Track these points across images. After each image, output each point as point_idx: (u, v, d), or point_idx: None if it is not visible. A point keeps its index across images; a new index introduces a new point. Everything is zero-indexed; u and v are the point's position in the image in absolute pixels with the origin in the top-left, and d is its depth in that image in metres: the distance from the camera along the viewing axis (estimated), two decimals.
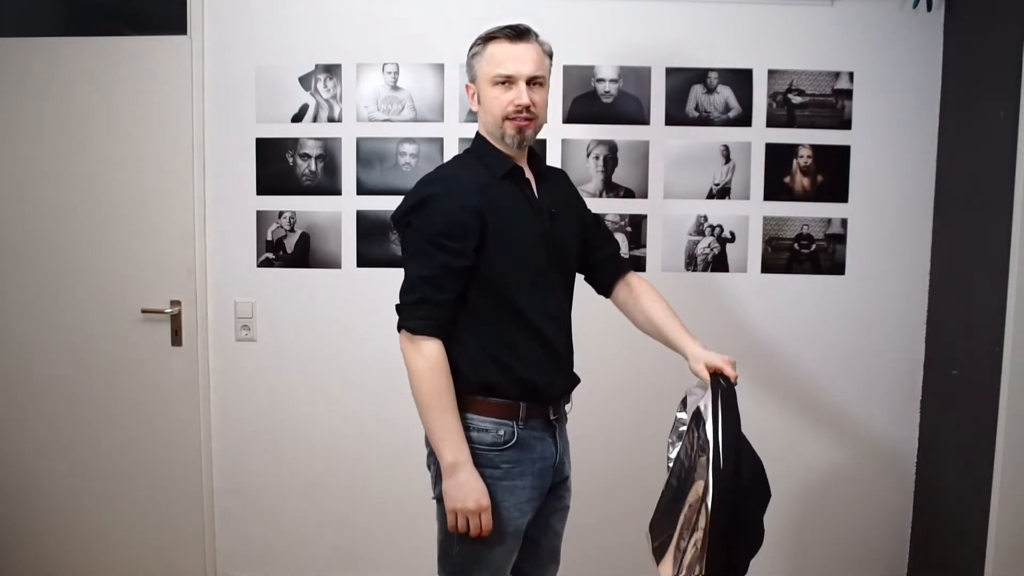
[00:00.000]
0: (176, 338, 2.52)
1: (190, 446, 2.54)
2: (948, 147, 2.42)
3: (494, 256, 1.56)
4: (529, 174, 1.68)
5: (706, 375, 1.57)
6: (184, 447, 2.54)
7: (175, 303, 2.51)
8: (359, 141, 2.47)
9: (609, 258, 1.85)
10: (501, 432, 1.59)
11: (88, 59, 2.45)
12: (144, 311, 2.51)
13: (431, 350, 1.52)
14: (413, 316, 1.54)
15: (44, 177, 2.50)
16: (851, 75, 2.45)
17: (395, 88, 2.46)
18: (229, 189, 2.50)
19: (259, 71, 2.47)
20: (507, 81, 1.59)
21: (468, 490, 1.51)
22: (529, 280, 1.60)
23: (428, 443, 1.62)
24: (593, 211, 1.90)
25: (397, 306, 1.58)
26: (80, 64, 2.45)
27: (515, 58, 1.59)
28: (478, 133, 1.69)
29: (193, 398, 2.52)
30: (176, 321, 2.51)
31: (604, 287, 1.85)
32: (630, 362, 2.48)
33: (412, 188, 1.63)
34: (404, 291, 1.57)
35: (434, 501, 1.64)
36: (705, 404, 1.52)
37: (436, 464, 1.60)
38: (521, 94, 1.58)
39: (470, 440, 1.57)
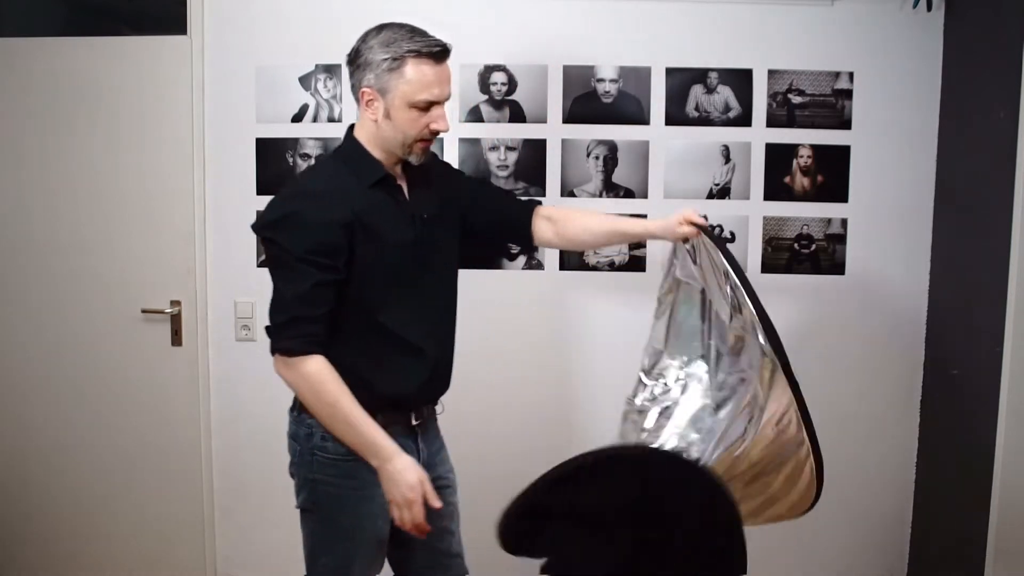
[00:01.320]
0: (176, 338, 2.52)
1: (190, 446, 2.54)
2: (948, 147, 2.42)
3: (361, 271, 1.51)
4: (401, 179, 1.62)
5: (691, 230, 1.62)
6: (184, 447, 2.54)
7: (175, 303, 2.51)
8: None
9: (510, 212, 1.80)
10: None
11: (88, 59, 2.45)
12: (144, 311, 2.51)
13: (313, 369, 1.47)
14: (286, 337, 1.47)
15: (44, 177, 2.50)
16: (851, 75, 2.45)
17: None
18: (229, 189, 2.50)
19: (259, 71, 2.47)
20: (429, 106, 1.51)
21: (411, 471, 1.49)
22: (398, 291, 1.55)
23: (292, 451, 1.64)
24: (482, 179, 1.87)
25: (267, 328, 1.50)
26: (80, 64, 2.45)
27: (441, 83, 1.52)
28: (354, 137, 1.59)
29: (193, 398, 2.52)
30: (176, 321, 2.51)
31: (524, 238, 1.82)
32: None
33: (274, 199, 1.56)
34: (274, 310, 1.49)
35: (298, 511, 1.66)
36: (708, 258, 1.58)
37: (300, 473, 1.62)
38: (442, 119, 1.53)
39: (326, 450, 1.58)
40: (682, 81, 2.45)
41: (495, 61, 2.45)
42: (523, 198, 1.89)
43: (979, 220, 2.22)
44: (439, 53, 1.51)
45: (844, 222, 2.49)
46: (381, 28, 1.54)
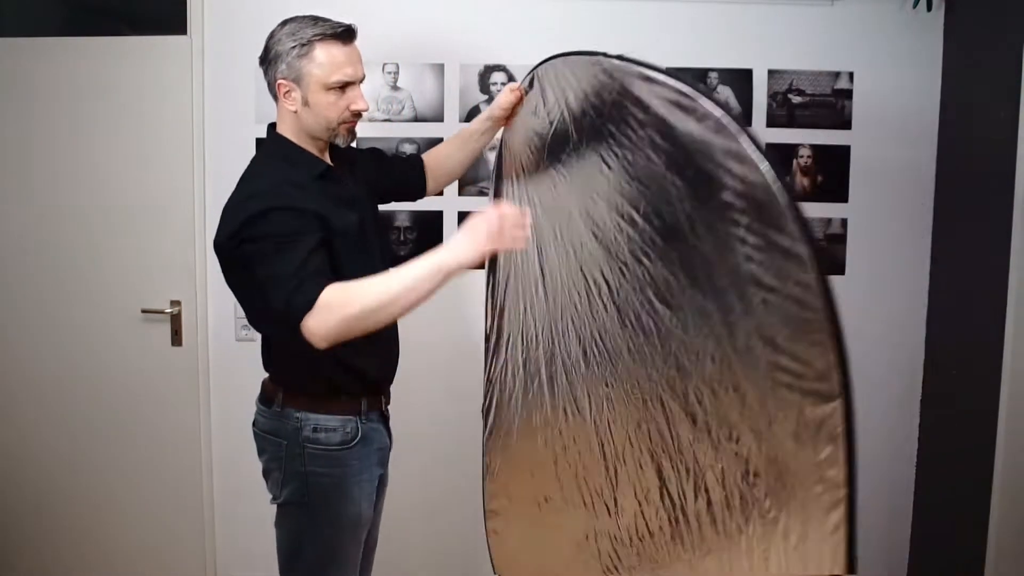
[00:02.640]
0: (176, 338, 2.52)
1: (190, 446, 2.54)
2: (948, 147, 2.42)
3: (342, 257, 1.53)
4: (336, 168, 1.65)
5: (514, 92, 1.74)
6: (184, 447, 2.54)
7: (175, 303, 2.51)
8: (359, 141, 2.46)
9: (408, 177, 1.88)
10: (348, 429, 1.61)
11: (88, 59, 2.45)
12: (144, 311, 2.50)
13: (329, 295, 1.37)
14: (300, 295, 1.37)
15: (43, 177, 2.49)
16: (851, 75, 2.45)
17: (395, 88, 2.46)
18: (229, 189, 2.48)
19: (259, 71, 2.45)
20: (344, 86, 1.54)
21: (471, 226, 1.39)
22: (359, 274, 1.50)
23: (271, 446, 1.64)
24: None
25: (279, 314, 1.41)
26: (80, 64, 2.45)
27: (353, 62, 1.55)
28: (277, 134, 1.61)
29: (193, 398, 2.52)
30: (176, 321, 2.51)
31: (418, 195, 1.92)
32: None
33: (229, 210, 1.56)
34: (277, 293, 1.41)
35: (275, 506, 1.68)
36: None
37: (288, 467, 1.61)
38: (360, 99, 1.57)
39: (318, 442, 1.59)
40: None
41: (495, 61, 2.45)
42: (407, 155, 2.02)
43: (979, 220, 2.23)
44: (344, 33, 1.54)
45: (844, 222, 2.49)
46: (285, 22, 1.57)
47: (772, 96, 2.46)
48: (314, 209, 1.49)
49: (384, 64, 2.46)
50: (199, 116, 2.45)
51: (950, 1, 2.39)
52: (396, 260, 1.68)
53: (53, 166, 2.49)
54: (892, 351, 2.52)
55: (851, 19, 2.43)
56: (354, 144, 1.72)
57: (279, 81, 1.55)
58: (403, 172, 1.91)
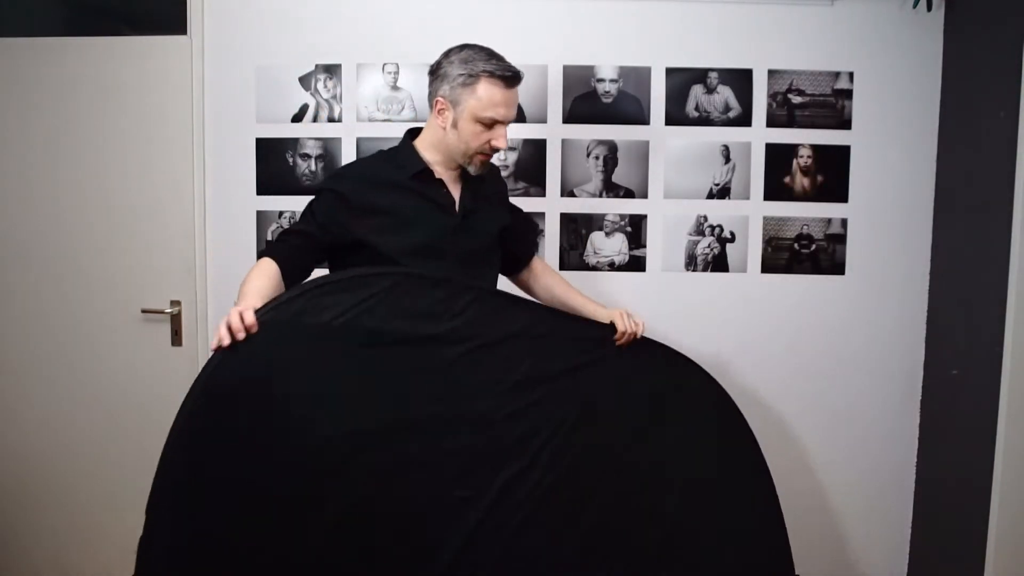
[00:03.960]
0: (176, 338, 2.52)
1: None
2: (948, 147, 2.42)
3: (390, 249, 1.66)
4: (445, 175, 1.75)
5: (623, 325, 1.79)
6: None
7: (175, 303, 2.51)
8: (359, 141, 2.47)
9: (519, 249, 1.98)
10: None
11: (88, 59, 2.45)
12: (144, 311, 2.51)
13: (262, 262, 1.65)
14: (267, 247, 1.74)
15: (44, 177, 2.50)
16: (851, 75, 2.45)
17: (395, 88, 2.47)
18: (229, 189, 2.50)
19: (259, 71, 2.47)
20: (493, 123, 1.66)
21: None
22: (429, 269, 1.66)
23: None
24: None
25: None
26: (80, 64, 2.45)
27: (508, 105, 1.67)
28: (410, 143, 1.76)
29: None
30: (176, 321, 2.51)
31: (512, 272, 2.01)
32: None
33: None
34: None
35: None
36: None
37: None
38: (502, 138, 1.68)
39: None
40: (682, 81, 2.45)
41: None
42: (532, 243, 2.10)
43: (979, 220, 2.22)
44: (510, 78, 1.66)
45: (844, 222, 2.49)
46: (463, 47, 1.69)
47: (772, 96, 2.46)
48: (363, 201, 1.69)
49: (384, 64, 2.46)
50: (199, 116, 2.45)
51: (950, 1, 2.39)
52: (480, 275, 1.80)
53: (53, 166, 2.49)
54: (892, 351, 2.52)
55: (851, 19, 2.43)
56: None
57: (438, 98, 1.69)
58: (520, 243, 1.99)
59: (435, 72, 1.70)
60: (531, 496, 1.62)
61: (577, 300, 1.90)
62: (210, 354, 1.47)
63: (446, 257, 1.70)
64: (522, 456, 1.62)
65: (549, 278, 1.99)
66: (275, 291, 1.59)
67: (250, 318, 1.45)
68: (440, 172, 1.74)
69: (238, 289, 1.59)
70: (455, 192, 1.76)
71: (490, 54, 1.67)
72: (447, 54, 1.69)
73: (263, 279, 1.60)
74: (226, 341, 1.43)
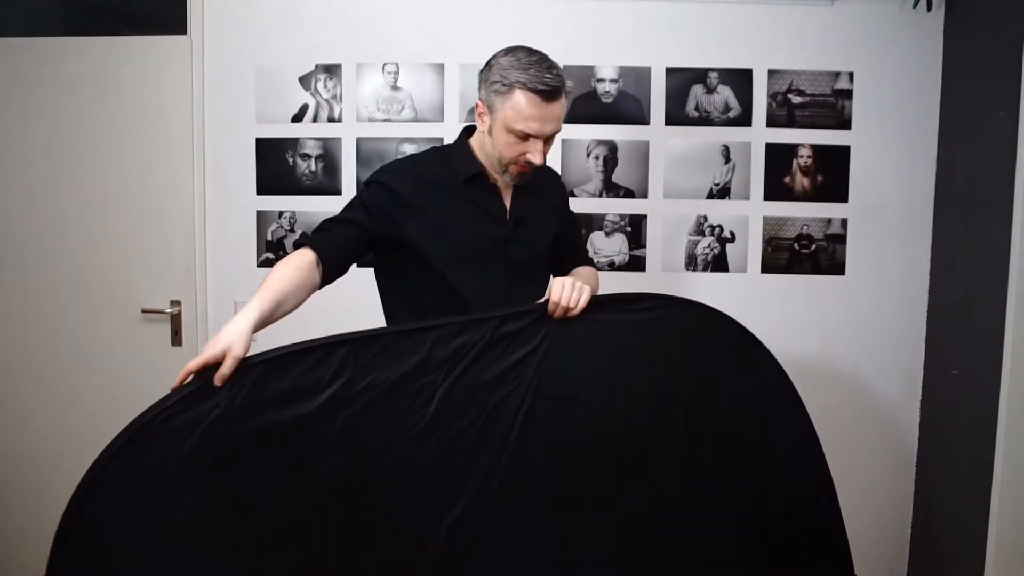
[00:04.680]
0: (176, 338, 2.52)
1: None
2: (948, 147, 2.42)
3: (435, 254, 1.59)
4: (498, 180, 1.65)
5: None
6: None
7: (175, 303, 2.51)
8: (359, 141, 2.47)
9: (569, 261, 1.87)
10: None
11: (88, 59, 2.45)
12: (144, 311, 2.51)
13: (296, 252, 1.53)
14: (307, 238, 1.60)
15: (44, 177, 2.50)
16: (851, 75, 2.45)
17: (395, 88, 2.47)
18: (229, 189, 2.50)
19: (259, 71, 2.47)
20: (526, 136, 1.55)
21: (229, 326, 1.34)
22: (473, 275, 1.61)
23: None
24: (582, 213, 1.92)
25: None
26: (80, 64, 2.45)
27: (541, 120, 1.54)
28: (465, 140, 1.68)
29: None
30: (176, 321, 2.51)
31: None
32: None
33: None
34: None
35: None
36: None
37: None
38: (537, 154, 1.57)
39: None
40: (682, 81, 2.45)
41: None
42: (583, 257, 1.93)
43: (979, 220, 2.22)
44: (547, 92, 1.52)
45: (844, 222, 2.49)
46: (510, 50, 1.58)
47: (772, 96, 2.46)
48: (416, 201, 1.59)
49: (384, 64, 2.46)
50: (199, 116, 2.45)
51: (950, 1, 2.39)
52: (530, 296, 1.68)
53: (53, 166, 2.49)
54: (892, 351, 2.52)
55: (851, 19, 2.43)
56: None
57: (478, 102, 1.61)
58: (570, 255, 1.87)
59: (482, 73, 1.61)
60: (490, 526, 1.44)
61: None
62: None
63: (492, 267, 1.63)
64: (464, 492, 1.43)
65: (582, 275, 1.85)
66: (302, 288, 1.47)
67: (226, 370, 1.26)
68: (494, 176, 1.65)
69: (260, 284, 1.43)
70: (507, 198, 1.68)
71: (531, 62, 1.53)
72: (495, 55, 1.58)
73: (287, 275, 1.44)
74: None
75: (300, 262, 1.49)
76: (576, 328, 1.52)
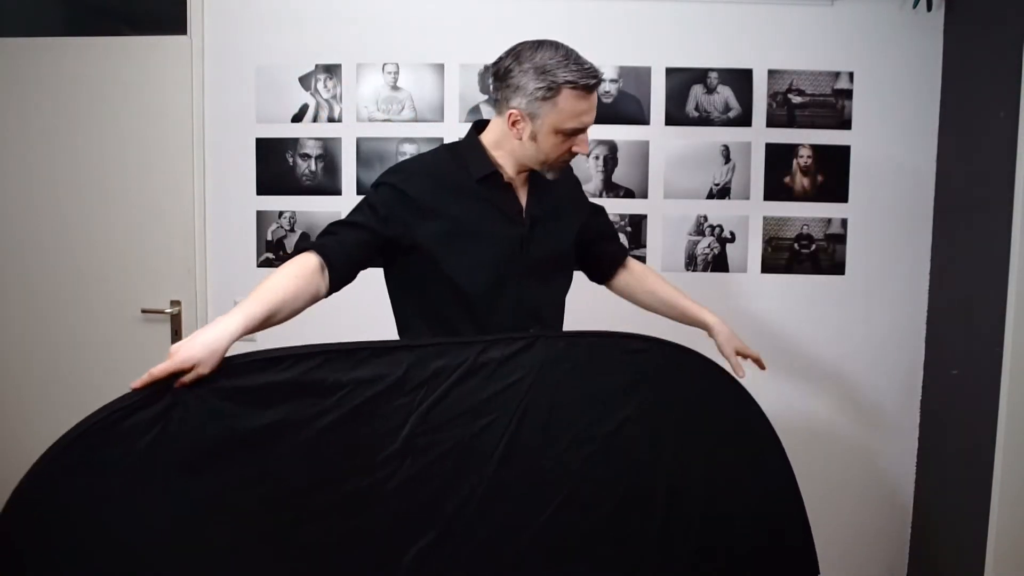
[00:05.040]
0: (176, 338, 2.52)
1: None
2: (948, 147, 2.42)
3: (449, 259, 1.53)
4: (513, 178, 1.60)
5: (735, 359, 1.69)
6: None
7: (175, 303, 2.51)
8: (359, 141, 2.47)
9: (606, 250, 1.83)
10: None
11: (88, 59, 2.45)
12: (144, 311, 2.51)
13: (298, 256, 1.44)
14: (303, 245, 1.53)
15: (44, 177, 2.50)
16: (851, 75, 2.45)
17: (395, 88, 2.47)
18: (229, 189, 2.50)
19: (259, 71, 2.47)
20: (576, 132, 1.52)
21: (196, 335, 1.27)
22: (489, 281, 1.55)
23: None
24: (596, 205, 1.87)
25: None
26: (80, 64, 2.45)
27: (591, 111, 1.51)
28: (477, 139, 1.60)
29: None
30: (176, 321, 2.51)
31: (601, 276, 1.85)
32: None
33: (385, 171, 1.64)
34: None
35: None
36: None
37: None
38: (584, 144, 1.54)
39: None
40: (682, 81, 2.45)
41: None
42: (615, 246, 1.87)
43: (979, 220, 2.22)
44: (594, 84, 1.49)
45: (844, 222, 2.49)
46: (536, 48, 1.49)
47: (772, 96, 2.46)
48: (429, 204, 1.52)
49: (384, 64, 2.46)
50: (199, 116, 2.45)
51: (950, 1, 2.39)
52: (550, 295, 1.67)
53: (53, 166, 2.49)
54: (892, 351, 2.52)
55: (851, 19, 2.43)
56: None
57: (512, 111, 1.51)
58: (607, 243, 1.83)
59: (504, 79, 1.51)
60: (455, 564, 1.36)
61: (684, 303, 1.76)
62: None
63: (510, 268, 1.57)
64: (433, 524, 1.35)
65: (653, 281, 1.81)
66: (300, 297, 1.38)
67: (204, 370, 1.22)
68: (509, 175, 1.59)
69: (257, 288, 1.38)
70: (523, 196, 1.62)
71: (567, 56, 1.47)
72: (517, 58, 1.49)
73: (283, 283, 1.36)
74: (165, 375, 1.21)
75: (300, 269, 1.40)
76: (564, 362, 1.46)
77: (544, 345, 1.46)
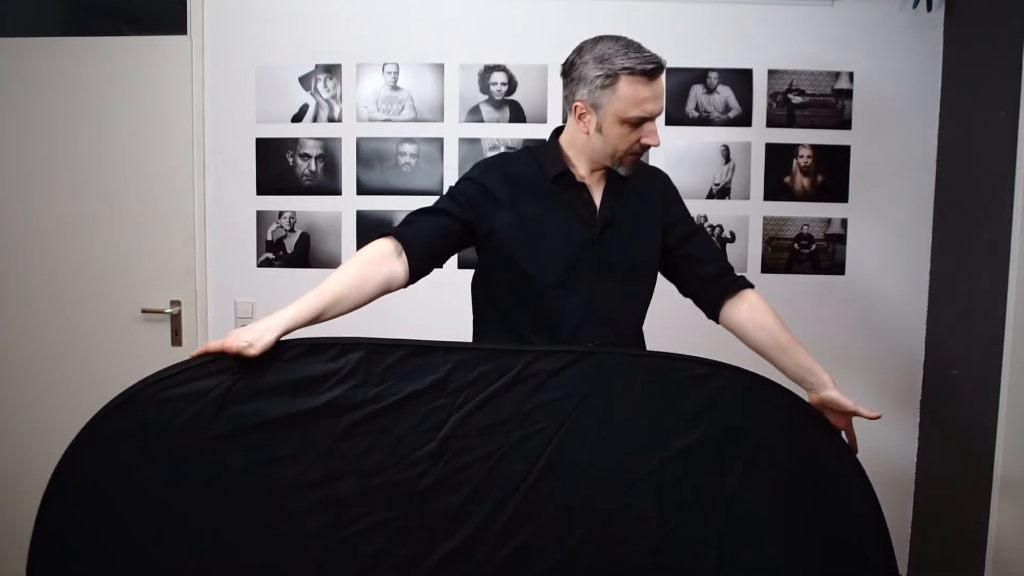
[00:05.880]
0: (176, 338, 2.52)
1: None
2: (948, 147, 2.42)
3: (521, 252, 1.53)
4: (586, 177, 1.58)
5: (851, 431, 1.49)
6: None
7: (175, 303, 2.51)
8: (359, 141, 2.47)
9: (711, 279, 1.63)
10: None
11: (88, 59, 2.45)
12: (144, 311, 2.51)
13: (373, 242, 1.46)
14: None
15: (44, 177, 2.50)
16: (851, 75, 2.45)
17: (395, 88, 2.47)
18: (229, 189, 2.50)
19: (259, 71, 2.47)
20: (641, 121, 1.50)
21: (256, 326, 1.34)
22: (560, 274, 1.53)
23: None
24: (696, 219, 1.74)
25: None
26: (80, 64, 2.45)
27: (655, 99, 1.49)
28: (556, 140, 1.61)
29: None
30: (176, 321, 2.51)
31: (708, 305, 1.64)
32: None
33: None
34: None
35: None
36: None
37: None
38: (654, 135, 1.52)
39: None
40: (682, 81, 2.45)
41: (495, 61, 2.45)
42: (732, 271, 1.65)
43: (979, 220, 2.22)
44: (653, 71, 1.48)
45: (844, 222, 2.49)
46: (597, 41, 1.52)
47: (772, 96, 2.46)
48: (506, 197, 1.54)
49: (384, 64, 2.46)
50: (199, 116, 2.45)
51: (950, 1, 2.39)
52: (621, 302, 1.60)
53: (53, 166, 2.49)
54: (892, 351, 2.52)
55: (851, 19, 2.43)
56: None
57: (576, 103, 1.53)
58: (693, 263, 1.64)
59: (568, 73, 1.54)
60: (480, 570, 1.33)
61: (802, 352, 1.55)
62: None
63: (581, 271, 1.54)
64: (461, 528, 1.33)
65: (767, 317, 1.56)
66: (368, 282, 1.39)
67: (254, 351, 1.28)
68: (583, 174, 1.58)
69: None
70: (597, 197, 1.58)
71: (627, 45, 1.48)
72: (579, 51, 1.52)
73: (348, 272, 1.38)
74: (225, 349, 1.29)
75: (370, 254, 1.42)
76: (620, 381, 1.39)
77: (599, 361, 1.39)
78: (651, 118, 1.51)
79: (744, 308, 1.58)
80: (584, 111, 1.52)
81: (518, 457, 1.35)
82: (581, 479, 1.36)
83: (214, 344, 1.31)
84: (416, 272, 1.46)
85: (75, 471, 1.30)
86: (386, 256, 1.43)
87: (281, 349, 1.31)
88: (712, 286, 1.61)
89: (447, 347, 1.37)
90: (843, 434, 1.50)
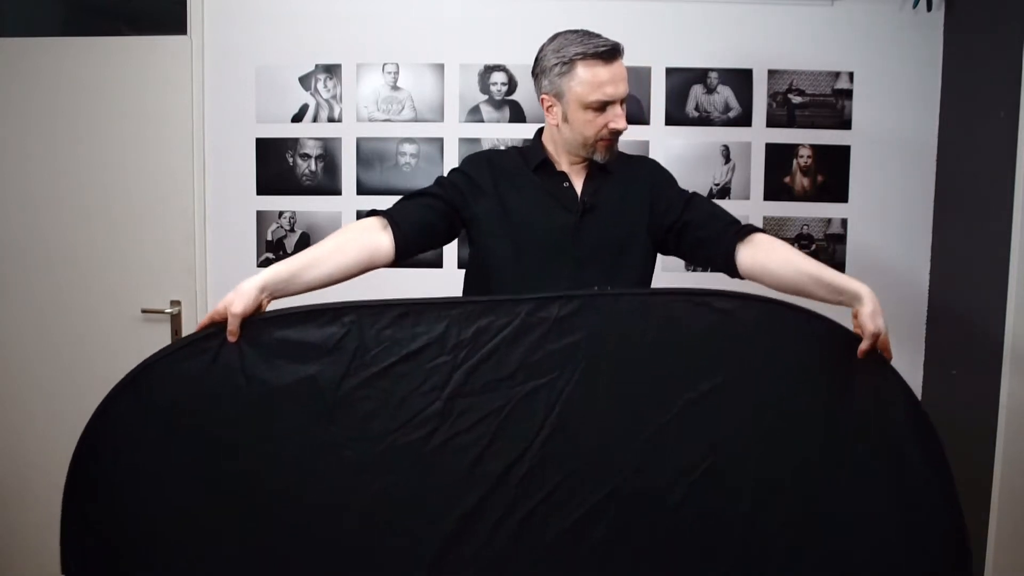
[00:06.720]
0: (176, 337, 2.52)
1: None
2: (948, 147, 2.42)
3: (499, 238, 1.58)
4: (568, 169, 1.62)
5: (881, 335, 1.41)
6: None
7: (175, 303, 2.51)
8: (359, 141, 2.47)
9: (716, 235, 1.57)
10: None
11: (88, 59, 2.45)
12: (144, 311, 2.51)
13: (363, 218, 1.53)
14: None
15: (43, 177, 2.50)
16: (851, 75, 2.45)
17: (395, 88, 2.47)
18: (229, 189, 2.50)
19: (259, 71, 2.47)
20: (603, 105, 1.53)
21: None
22: (536, 269, 1.56)
23: None
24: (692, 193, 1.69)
25: None
26: (80, 64, 2.45)
27: (614, 81, 1.52)
28: (538, 139, 1.67)
29: None
30: (176, 321, 2.51)
31: (725, 265, 1.58)
32: None
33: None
34: None
35: None
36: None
37: None
38: (620, 118, 1.54)
39: None
40: (682, 81, 2.45)
41: (495, 61, 2.45)
42: (737, 223, 1.59)
43: (979, 220, 2.22)
44: (606, 52, 1.52)
45: (844, 222, 2.49)
46: (555, 36, 1.59)
47: (772, 96, 2.46)
48: (491, 187, 1.60)
49: (384, 64, 2.46)
50: (199, 116, 2.45)
51: (950, 1, 2.39)
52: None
53: (53, 166, 2.49)
54: (892, 351, 2.52)
55: (851, 19, 2.43)
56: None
57: (542, 96, 1.60)
58: (695, 224, 1.61)
59: (534, 71, 1.61)
60: (497, 532, 1.30)
61: (831, 273, 1.45)
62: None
63: (561, 256, 1.56)
64: (476, 487, 1.30)
65: (787, 250, 1.51)
66: (348, 248, 1.43)
67: (232, 327, 1.30)
68: (564, 165, 1.62)
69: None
70: (579, 185, 1.62)
71: (583, 34, 1.56)
72: (541, 48, 1.60)
73: (331, 239, 1.44)
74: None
75: (353, 225, 1.50)
76: (635, 322, 1.31)
77: (610, 302, 1.33)
78: (613, 101, 1.53)
79: (760, 248, 1.52)
80: (551, 103, 1.58)
81: (530, 409, 1.30)
82: (600, 426, 1.30)
83: (204, 319, 1.35)
84: (402, 247, 1.49)
85: (94, 455, 1.37)
86: (368, 228, 1.48)
87: (269, 321, 1.31)
88: (720, 240, 1.56)
89: (442, 303, 1.33)
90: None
